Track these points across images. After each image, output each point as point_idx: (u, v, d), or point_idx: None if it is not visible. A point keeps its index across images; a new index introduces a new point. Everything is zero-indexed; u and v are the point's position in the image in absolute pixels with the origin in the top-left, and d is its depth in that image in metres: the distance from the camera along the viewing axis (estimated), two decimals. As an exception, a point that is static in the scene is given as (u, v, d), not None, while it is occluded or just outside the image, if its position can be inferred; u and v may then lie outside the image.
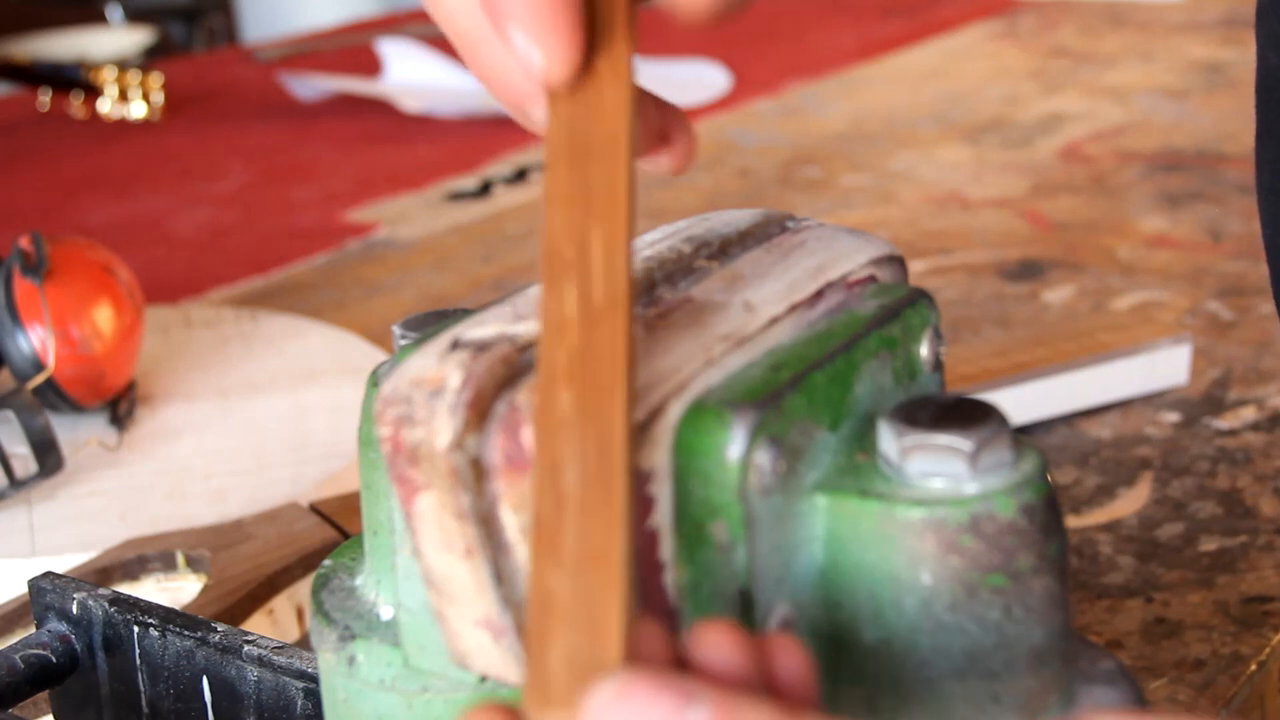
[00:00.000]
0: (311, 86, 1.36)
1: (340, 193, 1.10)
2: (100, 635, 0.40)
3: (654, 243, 0.32)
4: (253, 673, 0.38)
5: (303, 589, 0.54)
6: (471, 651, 0.29)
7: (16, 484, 0.60)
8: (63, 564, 0.52)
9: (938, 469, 0.26)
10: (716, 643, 0.22)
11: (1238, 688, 0.47)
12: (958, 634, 0.26)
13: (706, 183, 1.06)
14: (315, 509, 0.57)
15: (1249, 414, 0.66)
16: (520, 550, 0.27)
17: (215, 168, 1.20)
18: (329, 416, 0.68)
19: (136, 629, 0.40)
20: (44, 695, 0.43)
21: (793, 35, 1.54)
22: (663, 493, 0.26)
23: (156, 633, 0.39)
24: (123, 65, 1.37)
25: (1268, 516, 0.57)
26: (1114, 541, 0.56)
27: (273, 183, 1.15)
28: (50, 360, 0.64)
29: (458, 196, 1.06)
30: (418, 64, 1.38)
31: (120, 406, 0.68)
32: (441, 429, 0.27)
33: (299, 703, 0.37)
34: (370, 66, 1.42)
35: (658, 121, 0.33)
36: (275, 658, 0.38)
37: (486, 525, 0.28)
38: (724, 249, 0.31)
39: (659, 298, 0.29)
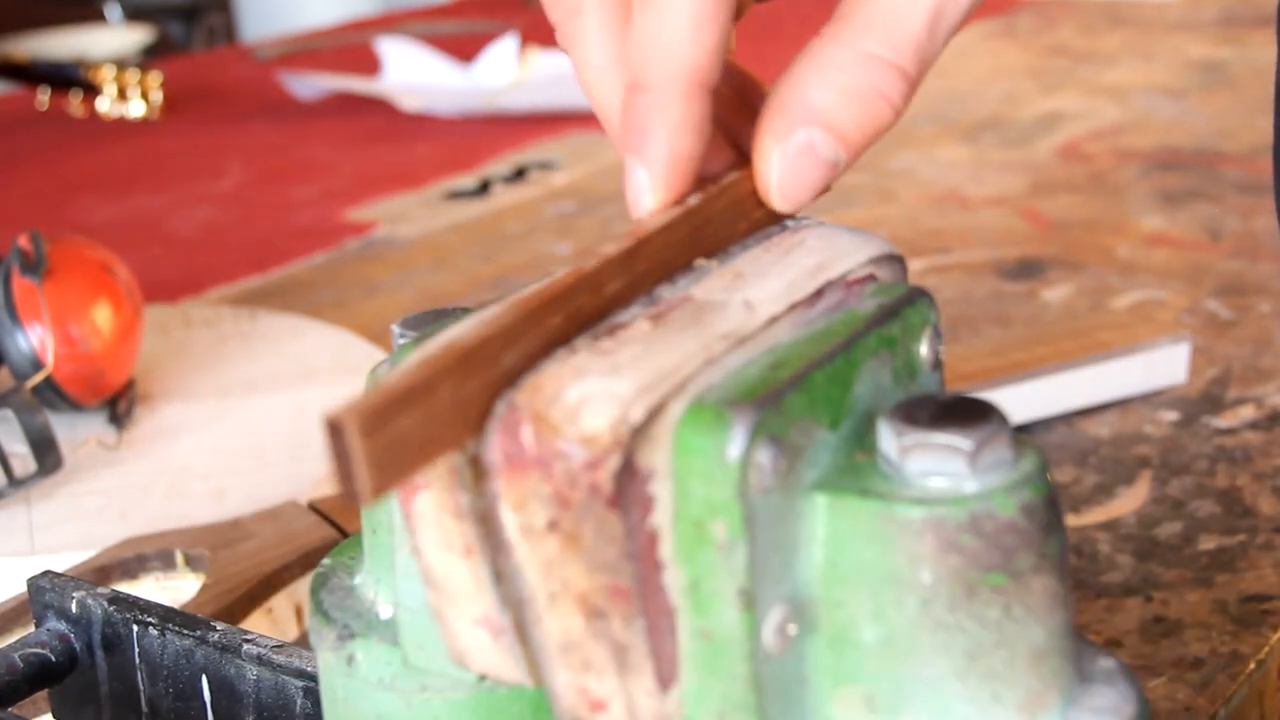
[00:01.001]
0: (310, 85, 1.36)
1: (339, 192, 1.10)
2: (99, 634, 0.40)
3: None
4: (252, 671, 0.38)
5: (302, 588, 0.54)
6: (470, 650, 0.29)
7: (15, 483, 0.60)
8: (62, 563, 0.52)
9: (937, 468, 0.26)
10: None
11: (1237, 687, 0.47)
12: (958, 633, 0.26)
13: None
14: (314, 508, 0.57)
15: (1248, 413, 0.66)
16: (519, 550, 0.27)
17: (214, 167, 1.20)
18: (328, 416, 0.68)
19: (135, 628, 0.40)
20: (43, 695, 0.43)
21: (793, 35, 1.54)
22: (663, 492, 0.26)
23: (155, 632, 0.39)
24: (122, 64, 1.37)
25: (1267, 515, 0.57)
26: (1113, 540, 0.56)
27: (272, 182, 1.15)
28: (49, 359, 0.64)
29: (457, 195, 1.06)
30: (417, 63, 1.38)
31: (119, 405, 0.68)
32: (440, 428, 0.27)
33: (298, 701, 0.37)
34: (369, 65, 1.42)
35: None
36: (274, 656, 0.38)
37: (485, 525, 0.28)
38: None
39: (658, 297, 0.29)
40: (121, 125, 1.32)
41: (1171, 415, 0.66)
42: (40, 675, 0.40)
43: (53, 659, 0.40)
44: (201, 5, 2.72)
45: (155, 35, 2.39)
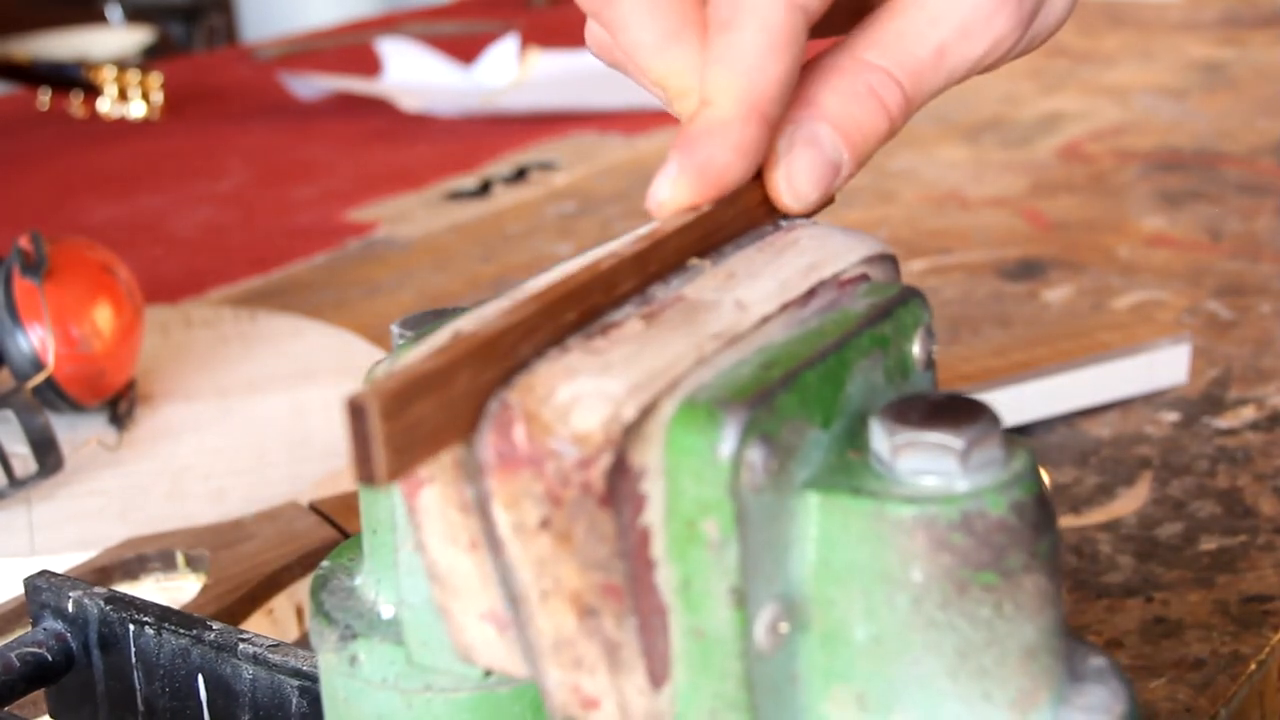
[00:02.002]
0: (311, 86, 1.36)
1: (340, 192, 1.10)
2: (96, 633, 0.40)
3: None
4: (248, 671, 0.38)
5: (302, 588, 0.54)
6: (476, 645, 0.29)
7: (16, 483, 0.60)
8: (62, 563, 0.53)
9: (929, 467, 0.26)
10: None
11: (1237, 687, 0.47)
12: (949, 631, 0.26)
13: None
14: (315, 508, 0.57)
15: (1248, 413, 0.66)
16: (511, 548, 0.27)
17: (215, 167, 1.20)
18: (328, 416, 0.68)
19: (132, 627, 0.40)
20: (41, 695, 0.43)
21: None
22: (655, 490, 0.26)
23: (152, 631, 0.40)
24: (122, 65, 1.37)
25: (1267, 516, 0.57)
26: (1113, 541, 0.56)
27: (273, 182, 1.15)
28: (50, 360, 0.65)
29: (457, 196, 1.06)
30: (417, 63, 1.38)
31: (120, 406, 0.68)
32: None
33: (294, 701, 0.37)
34: (370, 66, 1.42)
35: None
36: (271, 656, 0.38)
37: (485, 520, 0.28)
38: (715, 247, 0.32)
39: (651, 296, 0.30)
40: (122, 126, 1.33)
41: (1172, 416, 0.66)
42: (37, 674, 0.40)
43: (49, 658, 0.40)
44: (202, 6, 2.72)
45: (156, 36, 2.40)
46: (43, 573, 0.42)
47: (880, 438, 0.27)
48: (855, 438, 0.28)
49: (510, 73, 1.35)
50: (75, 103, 1.33)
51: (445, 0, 1.95)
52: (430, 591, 0.29)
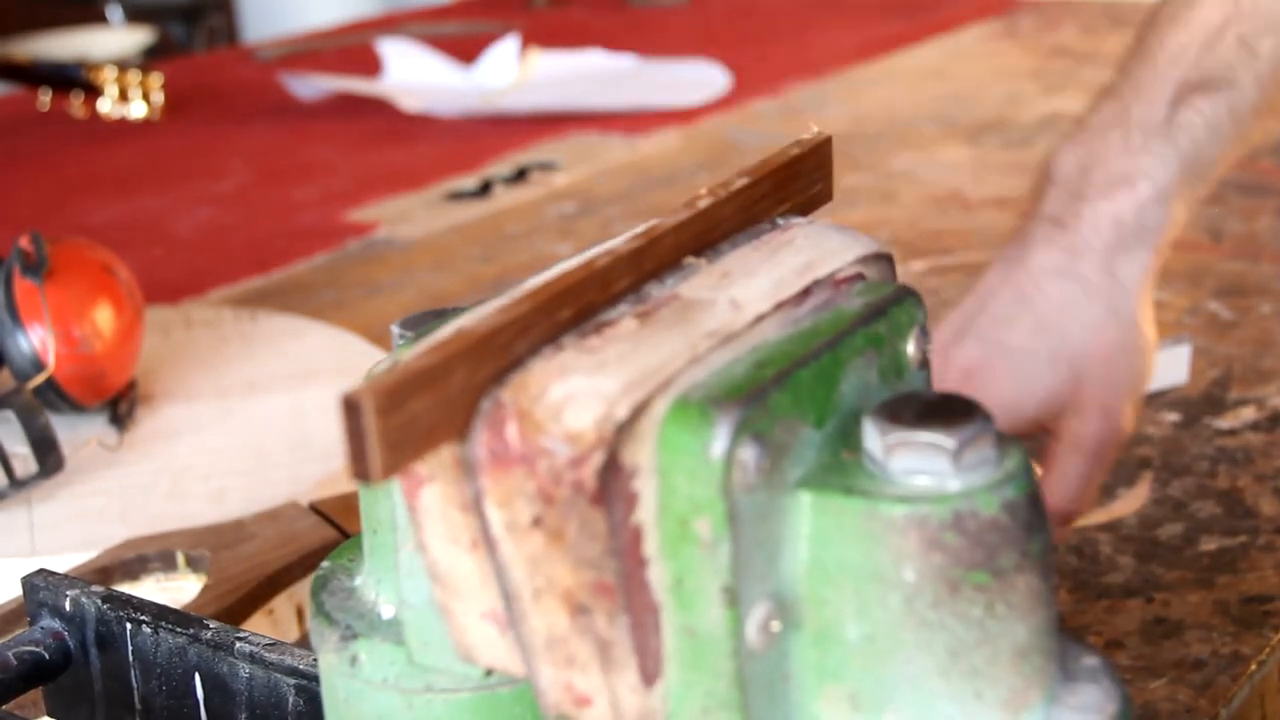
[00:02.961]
0: (311, 86, 1.36)
1: (340, 192, 1.10)
2: (93, 632, 0.41)
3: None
4: (244, 669, 0.38)
5: (303, 589, 0.54)
6: (477, 644, 0.29)
7: (16, 484, 0.60)
8: (63, 563, 0.53)
9: (921, 466, 0.26)
10: None
11: (1238, 688, 0.47)
12: (941, 631, 0.26)
13: (706, 183, 1.06)
14: (315, 509, 0.57)
15: (1249, 414, 0.66)
16: (504, 546, 0.27)
17: (215, 168, 1.20)
18: (329, 416, 0.68)
19: (129, 626, 0.40)
20: (41, 694, 0.43)
21: (793, 35, 1.54)
22: (647, 489, 0.26)
23: (149, 630, 0.40)
24: (123, 65, 1.37)
25: (1268, 516, 0.57)
26: (1114, 541, 0.56)
27: (273, 183, 1.15)
28: (50, 360, 0.65)
29: (458, 196, 1.06)
30: (417, 64, 1.38)
31: (120, 406, 0.68)
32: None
33: (290, 699, 0.37)
34: (370, 66, 1.42)
35: None
36: (267, 654, 0.38)
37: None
38: (711, 245, 0.32)
39: (646, 295, 0.30)
40: (123, 126, 1.33)
41: (1173, 416, 0.66)
42: (34, 673, 0.40)
43: (47, 657, 0.40)
44: (203, 6, 2.72)
45: (156, 36, 2.40)
46: (40, 571, 0.42)
47: (873, 437, 0.27)
48: (849, 437, 0.28)
49: (511, 73, 1.35)
50: (76, 103, 1.34)
51: (445, 1, 1.95)
52: (431, 591, 0.29)
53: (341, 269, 0.93)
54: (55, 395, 0.65)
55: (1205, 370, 0.70)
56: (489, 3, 1.85)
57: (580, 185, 1.08)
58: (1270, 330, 0.74)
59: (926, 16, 1.56)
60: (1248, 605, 0.52)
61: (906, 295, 0.30)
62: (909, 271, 0.86)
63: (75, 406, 0.66)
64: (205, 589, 0.52)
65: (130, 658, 0.40)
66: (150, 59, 2.22)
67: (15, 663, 0.40)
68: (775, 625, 0.26)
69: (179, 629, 0.39)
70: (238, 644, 0.38)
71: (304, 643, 0.49)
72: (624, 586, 0.26)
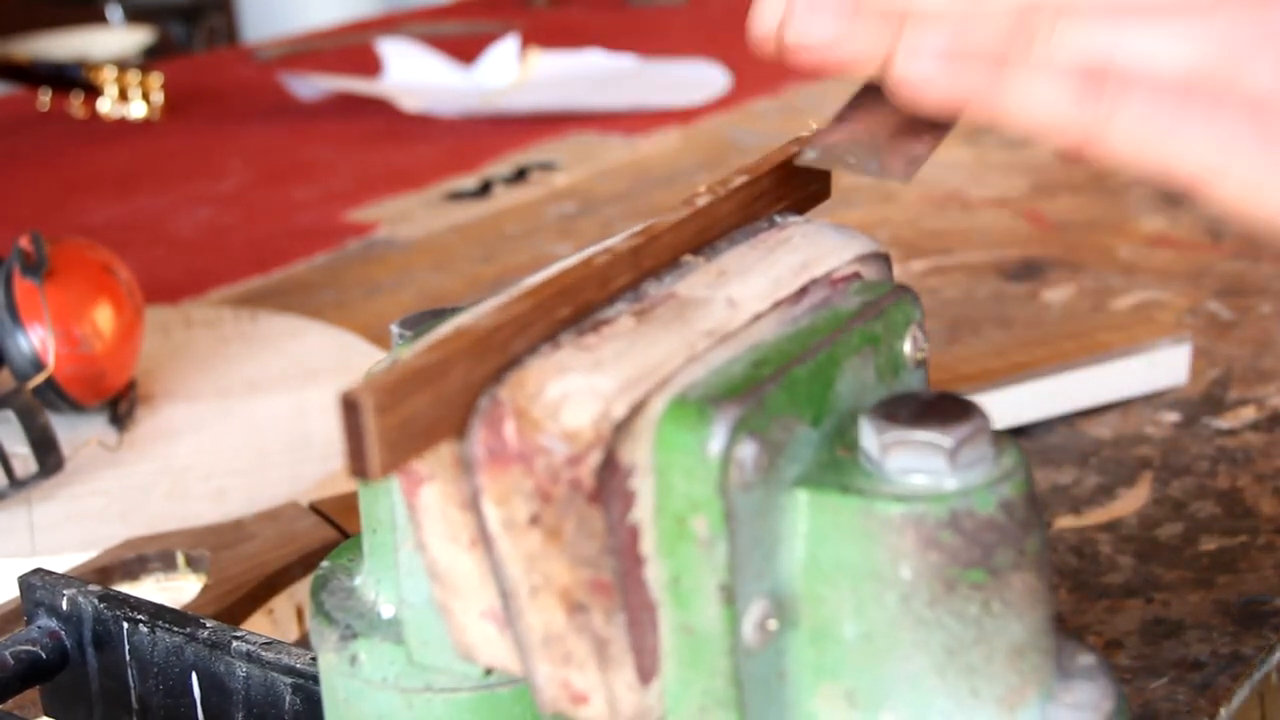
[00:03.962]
0: (311, 86, 1.37)
1: (340, 193, 1.10)
2: (90, 631, 0.41)
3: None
4: (241, 668, 0.38)
5: (302, 589, 0.54)
6: (477, 644, 0.29)
7: (16, 484, 0.60)
8: (63, 564, 0.53)
9: (918, 465, 0.26)
10: None
11: (1237, 687, 0.47)
12: (937, 629, 0.26)
13: (706, 182, 1.06)
14: (315, 509, 0.57)
15: (1249, 414, 0.66)
16: (501, 544, 0.27)
17: (215, 168, 1.20)
18: (329, 416, 0.68)
19: (126, 625, 0.40)
20: (39, 694, 0.43)
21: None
22: (644, 487, 0.26)
23: (146, 629, 0.40)
24: (123, 65, 1.37)
25: (1268, 516, 0.57)
26: (1114, 541, 0.56)
27: (273, 183, 1.15)
28: (50, 360, 0.65)
29: (457, 196, 1.06)
30: (417, 64, 1.38)
31: (120, 406, 0.68)
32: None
33: (287, 698, 0.37)
34: (370, 66, 1.42)
35: None
36: (264, 654, 0.38)
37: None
38: (709, 244, 0.32)
39: (644, 293, 0.30)
40: (123, 126, 1.33)
41: (1172, 416, 0.66)
42: (31, 672, 0.40)
43: (44, 656, 0.40)
44: (202, 6, 2.73)
45: (156, 36, 2.40)
46: (37, 571, 0.42)
47: (870, 436, 0.27)
48: (845, 435, 0.28)
49: (511, 73, 1.36)
50: (75, 103, 1.34)
51: (445, 0, 1.95)
52: (431, 590, 0.29)
53: (341, 269, 0.93)
54: (55, 395, 0.65)
55: (1205, 370, 0.70)
56: (489, 3, 1.85)
57: (580, 185, 1.08)
58: (1270, 330, 0.74)
59: (927, 17, 1.56)
60: (1248, 605, 0.52)
61: (903, 294, 0.30)
62: (909, 271, 0.86)
63: (75, 406, 0.66)
64: (205, 589, 0.52)
65: (127, 657, 0.40)
66: (150, 59, 2.22)
67: (12, 662, 0.40)
68: (772, 623, 0.27)
69: (176, 628, 0.39)
70: (235, 643, 0.38)
71: (304, 642, 0.49)
72: (621, 584, 0.26)
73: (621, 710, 0.27)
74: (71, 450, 0.63)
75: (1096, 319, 0.77)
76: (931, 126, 0.34)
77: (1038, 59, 0.32)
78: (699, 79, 1.32)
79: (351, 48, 1.61)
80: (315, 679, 0.36)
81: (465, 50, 1.44)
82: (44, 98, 1.37)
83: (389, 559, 0.32)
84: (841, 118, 0.34)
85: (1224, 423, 0.65)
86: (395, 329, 0.33)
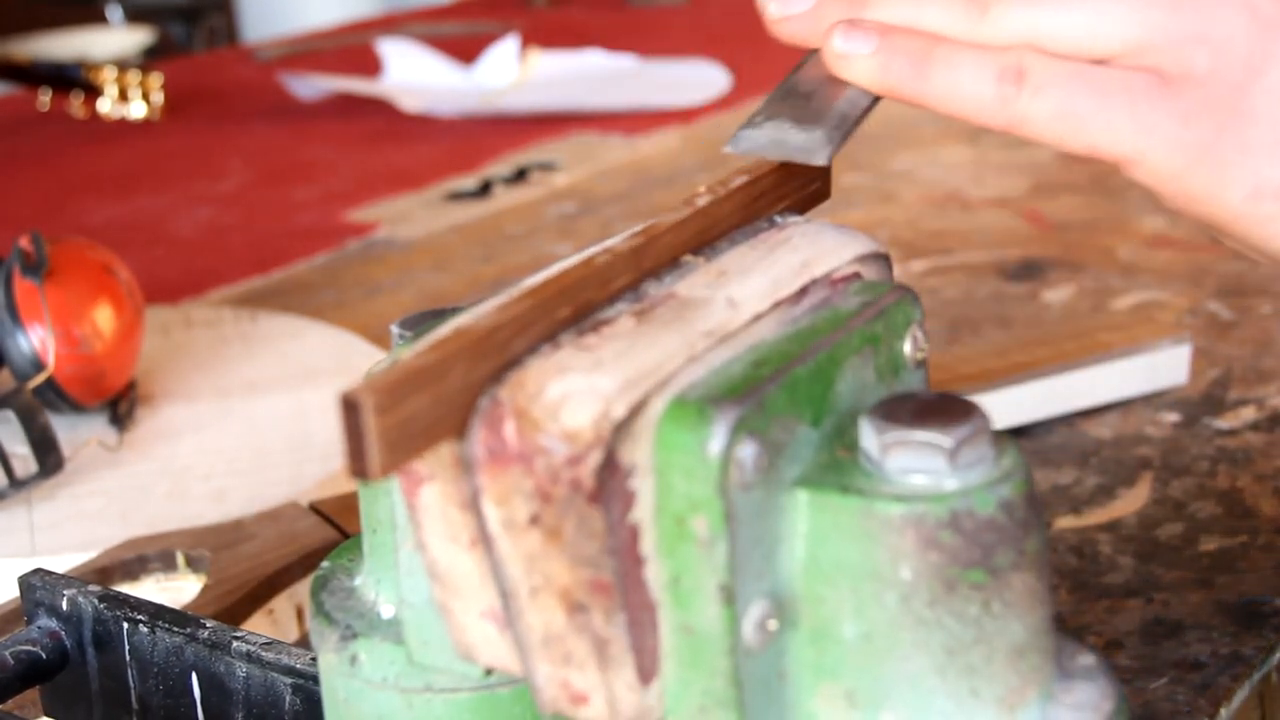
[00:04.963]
0: (311, 86, 1.37)
1: (340, 192, 1.10)
2: (90, 631, 0.41)
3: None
4: (241, 669, 0.38)
5: (303, 589, 0.54)
6: (477, 643, 0.29)
7: (16, 484, 0.60)
8: (63, 564, 0.53)
9: (918, 465, 0.26)
10: None
11: (1237, 687, 0.47)
12: (937, 629, 0.26)
13: (706, 182, 1.06)
14: (315, 509, 0.57)
15: (1249, 414, 0.66)
16: (501, 544, 0.27)
17: (215, 168, 1.20)
18: (329, 416, 0.68)
19: (126, 625, 0.40)
20: (39, 694, 0.43)
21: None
22: (644, 487, 0.26)
23: (146, 629, 0.40)
24: (123, 65, 1.37)
25: (1268, 516, 0.57)
26: (1114, 541, 0.56)
27: (273, 183, 1.15)
28: (50, 360, 0.65)
29: (458, 196, 1.06)
30: (417, 64, 1.38)
31: (120, 406, 0.68)
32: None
33: (287, 698, 0.37)
34: (370, 66, 1.42)
35: None
36: (264, 654, 0.38)
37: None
38: (710, 244, 0.32)
39: (644, 293, 0.30)
40: (123, 126, 1.33)
41: (1172, 416, 0.66)
42: (31, 673, 0.40)
43: (44, 656, 0.40)
44: (202, 6, 2.73)
45: (156, 36, 2.40)
46: (37, 571, 0.42)
47: (870, 436, 0.27)
48: (845, 435, 0.28)
49: (511, 73, 1.36)
50: (75, 103, 1.34)
51: (445, 0, 1.95)
52: (431, 590, 0.29)
53: (341, 269, 0.93)
54: (55, 395, 0.65)
55: (1205, 370, 0.70)
56: (489, 3, 1.85)
57: (580, 185, 1.08)
58: (1270, 330, 0.74)
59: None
60: (1248, 605, 0.52)
61: (903, 294, 0.30)
62: (909, 271, 0.86)
63: (75, 406, 0.66)
64: (205, 589, 0.52)
65: (127, 657, 0.40)
66: (150, 59, 2.22)
67: (12, 662, 0.40)
68: (772, 623, 0.27)
69: (176, 628, 0.39)
70: (235, 643, 0.38)
71: (304, 643, 0.49)
72: (621, 585, 0.26)
73: (621, 710, 0.27)
74: (71, 450, 0.63)
75: (1096, 319, 0.77)
76: (858, 106, 0.34)
77: (975, 38, 0.34)
78: (699, 79, 1.32)
79: (351, 48, 1.61)
80: (315, 679, 0.36)
81: (465, 50, 1.44)
82: (44, 98, 1.37)
83: (389, 559, 0.32)
84: (777, 97, 0.35)
85: (1224, 423, 0.65)
86: (395, 329, 0.33)
